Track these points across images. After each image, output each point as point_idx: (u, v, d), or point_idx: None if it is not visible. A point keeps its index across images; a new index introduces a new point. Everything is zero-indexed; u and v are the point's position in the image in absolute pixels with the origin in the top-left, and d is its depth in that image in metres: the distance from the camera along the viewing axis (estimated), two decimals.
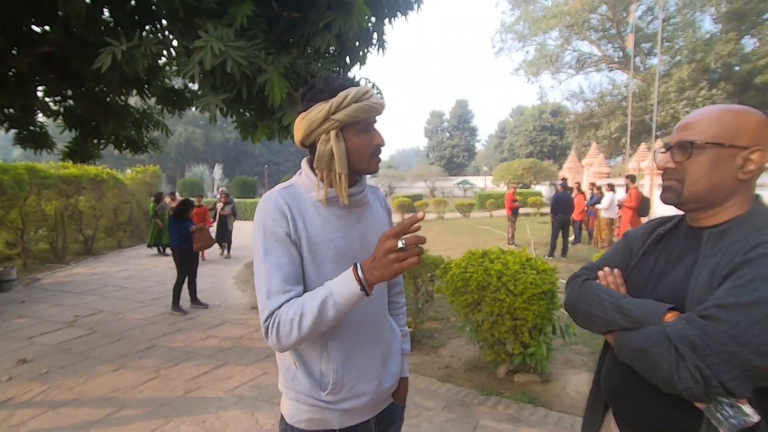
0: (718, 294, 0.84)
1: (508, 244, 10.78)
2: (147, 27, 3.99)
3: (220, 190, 11.28)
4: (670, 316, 0.89)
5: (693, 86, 20.94)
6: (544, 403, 3.12)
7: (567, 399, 3.21)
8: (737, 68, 21.68)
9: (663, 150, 1.04)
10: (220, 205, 9.81)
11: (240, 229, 10.81)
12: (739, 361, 0.78)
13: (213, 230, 9.09)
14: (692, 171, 0.96)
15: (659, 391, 0.89)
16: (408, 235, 0.91)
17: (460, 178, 47.35)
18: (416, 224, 0.93)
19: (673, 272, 1.00)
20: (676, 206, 1.02)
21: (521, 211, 14.06)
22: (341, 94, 1.03)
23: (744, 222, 0.93)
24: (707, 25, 24.81)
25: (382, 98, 1.10)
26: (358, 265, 0.96)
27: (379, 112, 1.09)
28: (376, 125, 1.12)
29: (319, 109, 1.04)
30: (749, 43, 22.31)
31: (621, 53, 27.08)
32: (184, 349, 4.26)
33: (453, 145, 54.81)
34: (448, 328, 4.73)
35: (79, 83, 4.63)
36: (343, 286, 0.95)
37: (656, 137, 15.86)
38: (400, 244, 0.89)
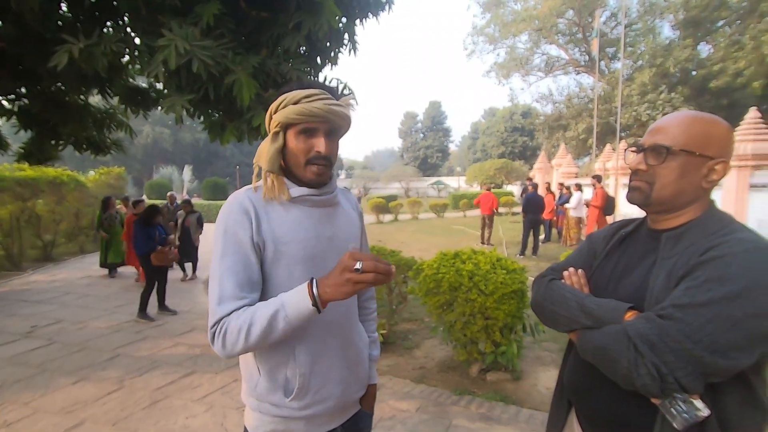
0: (675, 294, 0.88)
1: (482, 243, 10.94)
2: (108, 24, 3.83)
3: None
4: (630, 315, 0.92)
5: (654, 90, 21.87)
6: (516, 401, 3.18)
7: (537, 396, 3.28)
8: (694, 73, 22.80)
9: (634, 149, 1.06)
10: (181, 214, 7.79)
11: (204, 236, 9.42)
12: (693, 359, 0.82)
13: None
14: (662, 176, 0.99)
15: (619, 388, 0.92)
16: (368, 263, 0.87)
17: (434, 179, 47.85)
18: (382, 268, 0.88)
19: (633, 273, 1.04)
20: (641, 207, 1.06)
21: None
22: (283, 96, 1.05)
23: (698, 225, 0.97)
24: (666, 31, 26.12)
25: (338, 107, 1.05)
26: (315, 280, 0.95)
27: (323, 119, 1.04)
28: (331, 135, 1.08)
29: (270, 108, 1.09)
30: (704, 50, 23.55)
31: (587, 57, 28.01)
32: (150, 358, 4.10)
33: (427, 146, 55.31)
34: (422, 329, 4.76)
35: (34, 81, 4.40)
36: (296, 299, 0.94)
37: (620, 138, 16.50)
38: (357, 266, 0.88)
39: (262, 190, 1.09)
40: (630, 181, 1.06)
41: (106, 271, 8.46)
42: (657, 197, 1.00)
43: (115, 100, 5.01)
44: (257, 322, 0.95)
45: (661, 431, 0.88)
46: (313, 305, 0.93)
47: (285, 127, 1.06)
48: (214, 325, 0.99)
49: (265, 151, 1.08)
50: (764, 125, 8.66)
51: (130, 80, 4.91)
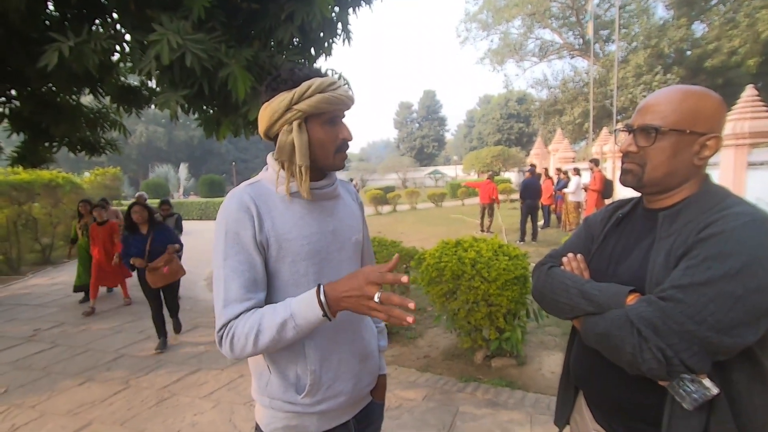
0: (675, 275, 0.86)
1: (482, 231, 10.93)
2: (97, 21, 3.77)
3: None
4: (632, 299, 0.91)
5: (649, 71, 21.79)
6: (521, 386, 3.20)
7: (542, 380, 3.30)
8: (689, 53, 22.71)
9: (623, 129, 1.04)
10: (158, 217, 5.94)
11: (202, 234, 9.01)
12: (697, 339, 0.80)
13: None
14: (653, 157, 0.97)
15: (624, 373, 0.91)
16: (388, 294, 0.88)
17: (431, 169, 47.76)
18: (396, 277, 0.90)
19: (632, 254, 1.02)
20: (635, 189, 1.04)
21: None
22: (305, 84, 1.00)
23: (695, 202, 0.95)
24: (660, 11, 25.92)
25: (350, 91, 1.07)
26: (322, 288, 0.94)
27: (347, 106, 1.06)
28: (344, 120, 1.09)
29: (281, 99, 1.00)
30: (699, 29, 23.42)
31: (581, 40, 27.79)
32: (154, 357, 4.11)
33: (423, 136, 55.12)
34: (425, 318, 4.77)
35: (23, 83, 4.35)
36: (305, 309, 0.93)
37: (617, 121, 16.47)
38: (376, 298, 0.89)
39: (261, 187, 1.07)
40: (622, 163, 1.04)
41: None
42: (649, 179, 0.98)
43: (108, 100, 4.96)
44: (266, 330, 0.94)
45: (671, 413, 0.88)
46: (323, 315, 0.92)
47: (306, 117, 1.02)
48: (221, 329, 0.98)
49: (290, 144, 1.01)
50: (761, 103, 8.63)
51: (122, 79, 4.86)
